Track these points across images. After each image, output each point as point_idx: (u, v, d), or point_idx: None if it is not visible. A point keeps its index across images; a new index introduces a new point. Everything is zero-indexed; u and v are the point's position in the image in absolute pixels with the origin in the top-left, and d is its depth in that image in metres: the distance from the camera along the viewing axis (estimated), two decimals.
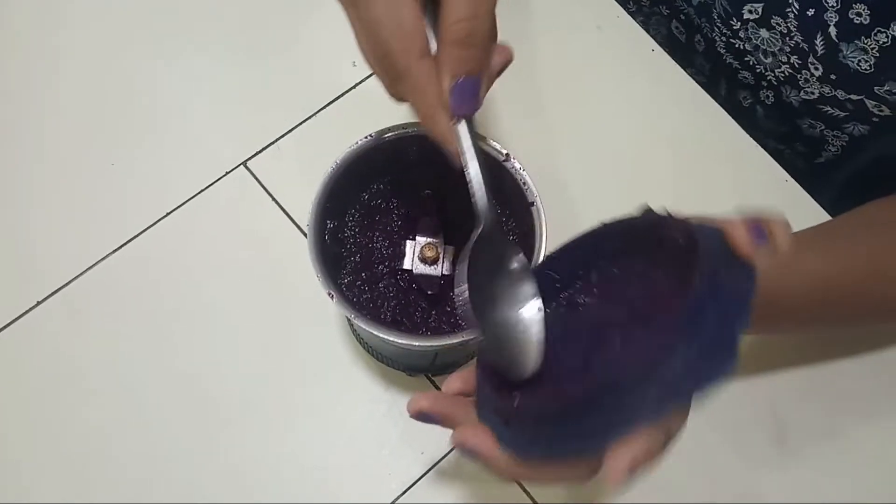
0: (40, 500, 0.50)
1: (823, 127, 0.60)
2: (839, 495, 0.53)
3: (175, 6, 0.61)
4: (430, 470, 0.52)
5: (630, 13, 0.64)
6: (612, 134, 0.60)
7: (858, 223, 0.50)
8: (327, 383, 0.53)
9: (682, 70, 0.61)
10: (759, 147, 0.60)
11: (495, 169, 0.45)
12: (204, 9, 0.61)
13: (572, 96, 0.61)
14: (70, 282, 0.54)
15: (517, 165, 0.44)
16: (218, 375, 0.53)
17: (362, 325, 0.41)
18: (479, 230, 0.38)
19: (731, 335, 0.32)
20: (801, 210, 0.58)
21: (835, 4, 0.50)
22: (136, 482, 0.51)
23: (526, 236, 0.46)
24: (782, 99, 0.60)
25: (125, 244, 0.55)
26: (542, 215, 0.43)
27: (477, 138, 0.37)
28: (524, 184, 0.44)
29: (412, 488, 0.52)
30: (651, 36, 0.62)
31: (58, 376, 0.52)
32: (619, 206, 0.58)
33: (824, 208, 0.59)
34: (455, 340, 0.42)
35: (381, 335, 0.41)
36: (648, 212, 0.36)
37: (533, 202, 0.44)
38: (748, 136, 0.60)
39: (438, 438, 0.52)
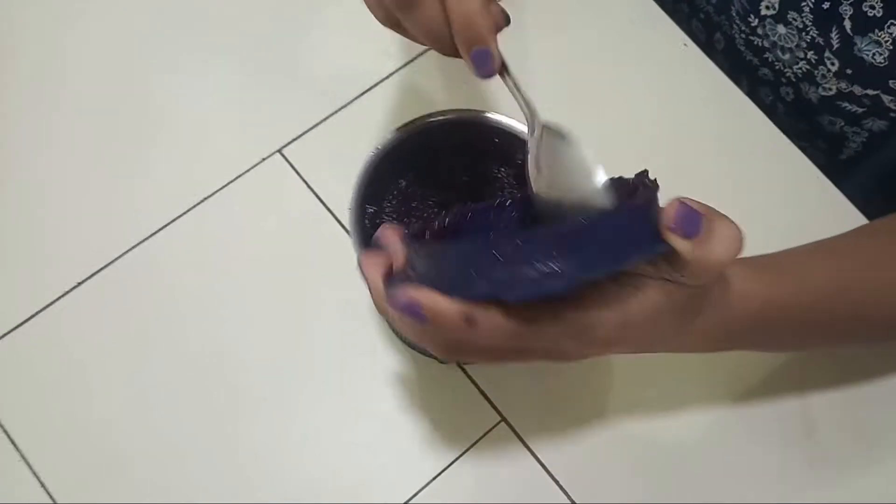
0: (59, 490, 0.51)
1: (843, 123, 0.60)
2: (868, 494, 0.53)
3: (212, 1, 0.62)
4: (461, 455, 0.53)
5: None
6: (641, 126, 0.60)
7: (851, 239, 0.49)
8: (360, 368, 0.54)
9: (713, 64, 0.62)
10: (790, 143, 0.60)
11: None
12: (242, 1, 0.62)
13: (604, 87, 0.61)
14: (109, 264, 0.55)
15: None
16: (246, 359, 0.54)
17: None
18: (535, 133, 0.39)
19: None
20: (830, 205, 0.59)
21: None
22: (155, 470, 0.52)
23: None
24: (802, 96, 0.60)
25: (163, 228, 0.56)
26: None
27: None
28: None
29: (443, 473, 0.52)
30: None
31: (95, 356, 0.53)
32: None
33: (855, 205, 0.59)
34: None
35: None
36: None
37: None
38: (779, 130, 0.60)
39: (469, 423, 0.53)
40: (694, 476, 0.53)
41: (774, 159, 0.60)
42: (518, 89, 0.39)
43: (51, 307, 0.54)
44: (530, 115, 0.39)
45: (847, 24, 0.52)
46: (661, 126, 0.61)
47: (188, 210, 0.56)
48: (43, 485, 0.51)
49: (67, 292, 0.54)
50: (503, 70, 0.39)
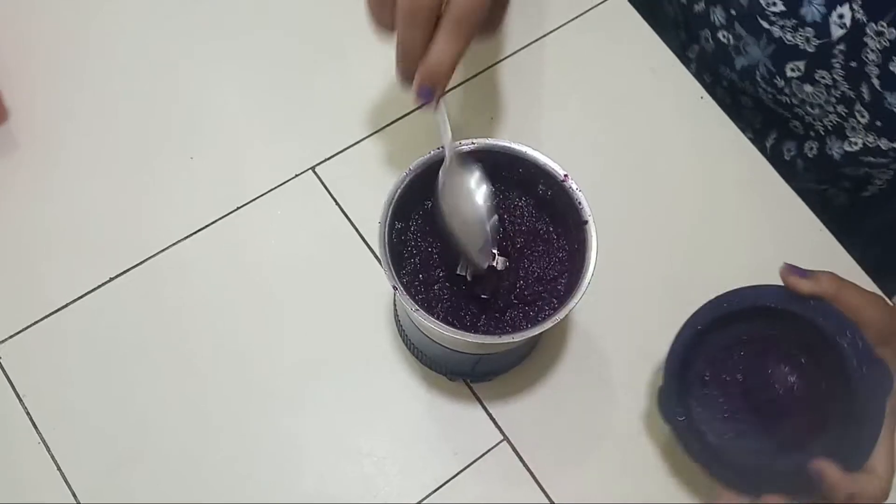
0: (75, 477, 0.53)
1: (867, 168, 0.63)
2: None
3: (259, 15, 0.66)
4: (462, 471, 0.55)
5: None
6: (656, 173, 0.63)
7: None
8: (372, 379, 0.56)
9: (728, 119, 0.65)
10: (798, 198, 0.63)
11: (554, 187, 0.49)
12: (288, 19, 0.66)
13: (623, 133, 0.65)
14: (144, 261, 0.58)
15: (574, 186, 0.48)
16: (271, 360, 0.56)
17: (421, 317, 0.45)
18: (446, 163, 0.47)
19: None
20: (832, 259, 0.61)
21: (875, 59, 0.54)
22: (188, 449, 0.54)
23: (574, 253, 0.49)
24: (825, 151, 0.63)
25: (197, 232, 0.59)
26: (595, 233, 0.47)
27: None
28: (579, 203, 0.48)
29: (444, 487, 0.54)
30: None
31: (127, 346, 0.56)
32: (659, 233, 0.62)
33: (855, 258, 0.61)
34: (504, 340, 0.45)
35: (438, 328, 0.45)
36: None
37: (587, 220, 0.47)
38: (788, 186, 0.63)
39: (472, 440, 0.55)
40: None
41: (781, 212, 0.63)
42: (445, 122, 0.48)
43: (82, 300, 0.56)
44: (446, 147, 0.47)
45: (875, 81, 0.55)
46: (674, 171, 0.63)
47: (222, 217, 0.59)
48: (60, 469, 0.53)
49: (101, 286, 0.57)
50: (438, 102, 0.47)
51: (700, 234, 0.62)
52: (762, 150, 0.65)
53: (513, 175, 0.50)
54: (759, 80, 0.62)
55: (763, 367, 0.52)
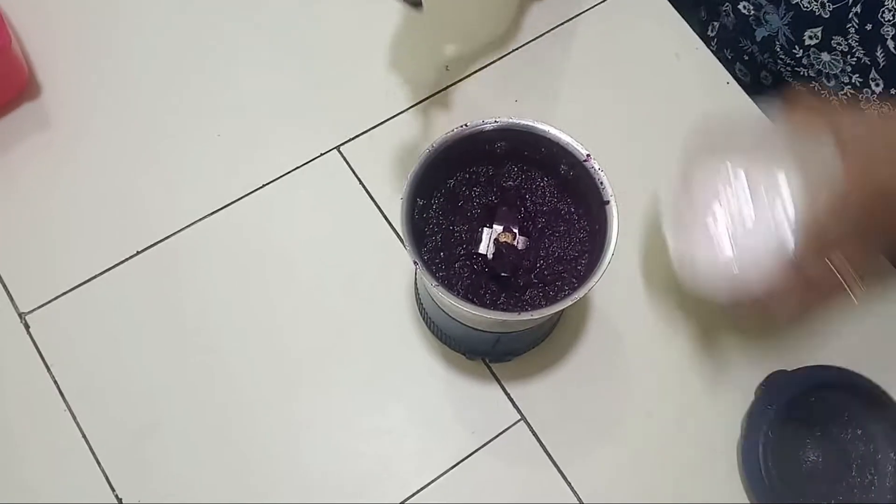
0: (100, 444, 0.54)
1: None
2: None
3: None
4: (479, 449, 0.55)
5: None
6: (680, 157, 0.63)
7: None
8: (391, 358, 0.57)
9: (753, 104, 0.64)
10: None
11: (576, 167, 0.49)
12: (317, 5, 0.67)
13: (647, 117, 0.65)
14: (170, 236, 0.59)
15: (596, 166, 0.48)
16: (292, 337, 0.57)
17: (441, 293, 0.45)
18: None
19: None
20: None
21: (891, 18, 0.53)
22: (209, 422, 0.55)
23: (595, 234, 0.49)
24: None
25: (222, 208, 0.60)
26: (616, 213, 0.47)
27: None
28: (601, 183, 0.48)
29: (460, 465, 0.55)
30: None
31: (151, 318, 0.57)
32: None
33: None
34: (522, 318, 0.46)
35: (457, 303, 0.45)
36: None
37: (608, 200, 0.47)
38: None
39: (490, 419, 0.56)
40: (709, 491, 0.55)
41: None
42: None
43: (109, 272, 0.58)
44: None
45: (890, 43, 0.55)
46: None
47: (247, 194, 0.60)
48: (85, 437, 0.54)
49: (127, 259, 0.58)
50: None
51: None
52: None
53: (535, 155, 0.51)
54: (778, 50, 0.63)
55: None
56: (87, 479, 0.53)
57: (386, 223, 0.60)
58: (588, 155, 0.48)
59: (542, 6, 0.67)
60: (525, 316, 0.46)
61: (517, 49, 0.65)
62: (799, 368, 0.56)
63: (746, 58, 0.69)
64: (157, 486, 0.53)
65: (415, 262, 0.46)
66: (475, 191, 0.52)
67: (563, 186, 0.51)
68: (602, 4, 0.67)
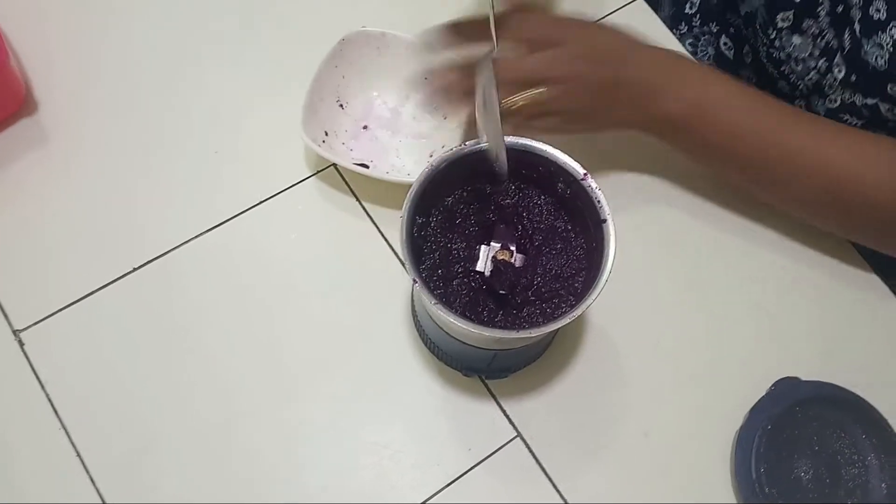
0: (94, 462, 0.54)
1: None
2: None
3: (287, 12, 0.67)
4: (475, 466, 0.55)
5: (680, 35, 0.68)
6: (676, 175, 0.64)
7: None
8: (389, 374, 0.57)
9: None
10: None
11: (573, 185, 0.49)
12: (315, 17, 0.67)
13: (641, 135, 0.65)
14: (167, 252, 0.59)
15: (593, 185, 0.49)
16: (289, 353, 0.57)
17: (440, 310, 0.45)
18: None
19: None
20: (845, 259, 0.62)
21: (857, 1, 0.55)
22: (205, 438, 0.55)
23: (592, 251, 0.50)
24: (813, 110, 0.64)
25: (219, 225, 0.60)
26: (613, 232, 0.48)
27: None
28: (598, 202, 0.48)
29: (457, 481, 0.55)
30: (699, 59, 0.67)
31: (147, 335, 0.57)
32: (677, 234, 0.62)
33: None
34: (520, 335, 0.46)
35: (455, 321, 0.45)
36: None
37: (605, 219, 0.48)
38: None
39: (486, 436, 0.56)
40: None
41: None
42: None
43: (105, 289, 0.58)
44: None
45: (857, 26, 0.56)
46: (695, 177, 0.64)
47: (245, 210, 0.60)
48: (79, 455, 0.54)
49: (123, 276, 0.58)
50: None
51: (718, 235, 0.62)
52: None
53: (532, 173, 0.51)
54: (758, 27, 0.64)
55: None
56: (81, 496, 0.53)
57: (383, 240, 0.60)
58: (585, 173, 0.49)
59: None
60: (523, 333, 0.46)
61: None
62: (792, 384, 0.56)
63: (732, 30, 0.70)
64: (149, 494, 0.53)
65: (413, 280, 0.46)
66: (473, 208, 0.52)
67: (560, 204, 0.52)
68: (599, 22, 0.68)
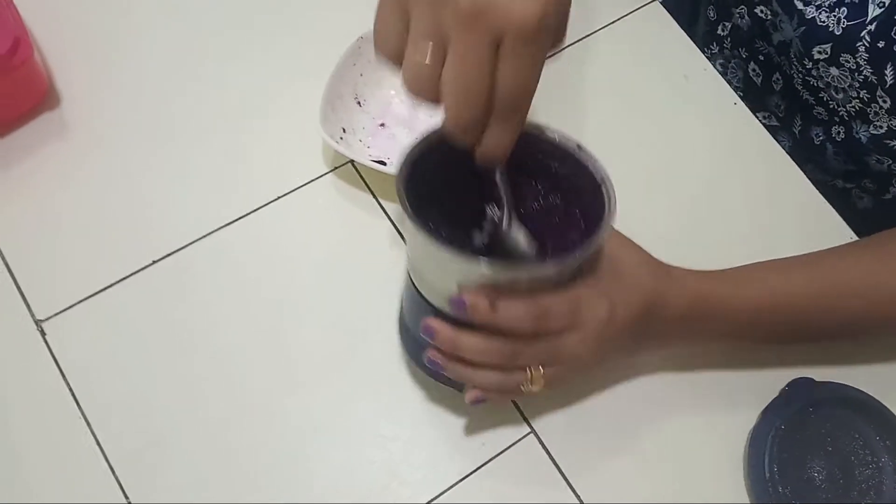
0: (113, 451, 0.55)
1: (891, 162, 0.64)
2: None
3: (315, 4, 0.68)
4: (488, 461, 0.55)
5: (710, 56, 0.68)
6: (687, 176, 0.64)
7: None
8: (402, 368, 0.57)
9: (760, 125, 0.66)
10: (826, 203, 0.64)
11: (568, 160, 0.49)
12: (343, 14, 0.68)
13: (655, 137, 0.66)
14: (186, 246, 0.60)
15: (584, 155, 0.48)
16: (305, 346, 0.58)
17: (433, 246, 0.44)
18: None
19: None
20: None
21: None
22: (220, 429, 0.55)
23: (591, 227, 0.48)
24: (852, 135, 0.64)
25: (239, 219, 0.61)
26: (613, 195, 0.46)
27: None
28: (593, 167, 0.47)
29: (469, 477, 0.55)
30: (728, 80, 0.67)
31: (165, 327, 0.58)
32: (688, 235, 0.63)
33: None
34: (517, 270, 0.46)
35: (450, 252, 0.44)
36: None
37: (602, 181, 0.47)
38: (818, 192, 0.64)
39: (499, 432, 0.56)
40: None
41: (809, 216, 0.64)
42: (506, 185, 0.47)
43: (125, 281, 0.58)
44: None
45: None
46: (706, 178, 0.64)
47: (264, 205, 0.61)
48: (99, 444, 0.54)
49: (144, 268, 0.59)
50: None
51: (729, 237, 0.63)
52: (791, 136, 0.65)
53: (529, 160, 0.49)
54: (792, 56, 0.64)
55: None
56: (101, 485, 0.53)
57: (400, 237, 0.61)
58: (579, 145, 0.48)
59: None
60: (521, 268, 0.46)
61: None
62: (809, 385, 0.57)
63: (762, 58, 0.70)
64: (170, 493, 0.53)
65: (412, 221, 0.44)
66: (469, 184, 0.49)
67: (555, 189, 0.51)
68: (612, 25, 0.69)
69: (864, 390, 0.56)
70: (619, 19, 0.69)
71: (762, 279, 0.53)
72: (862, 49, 0.57)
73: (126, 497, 0.53)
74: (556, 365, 0.49)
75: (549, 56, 0.43)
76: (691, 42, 0.68)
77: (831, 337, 0.57)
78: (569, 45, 0.68)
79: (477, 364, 0.49)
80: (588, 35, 0.68)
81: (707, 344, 0.57)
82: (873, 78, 0.58)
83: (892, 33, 0.55)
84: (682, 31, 0.69)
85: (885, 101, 0.58)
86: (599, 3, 0.69)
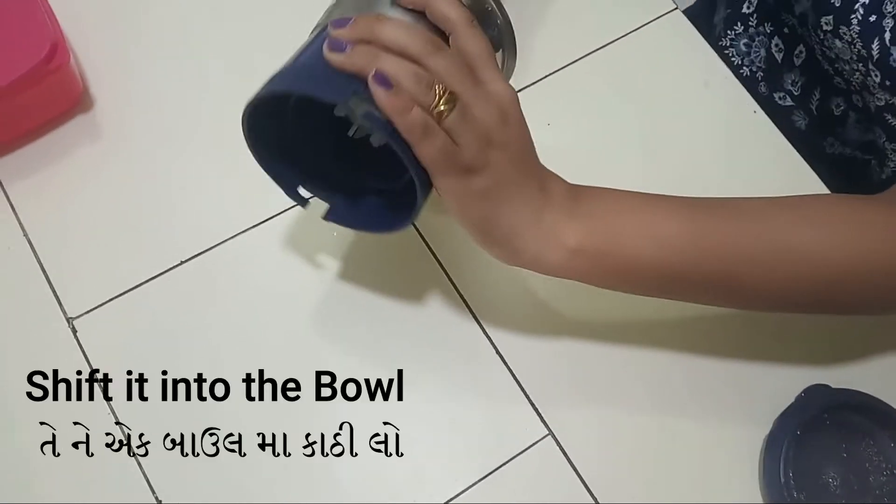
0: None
1: (885, 139, 0.64)
2: None
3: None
4: (506, 463, 0.56)
5: (734, 36, 0.68)
6: (708, 185, 0.65)
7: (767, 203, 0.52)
8: (418, 371, 0.58)
9: (780, 133, 0.66)
10: None
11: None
12: None
13: (675, 144, 0.66)
14: (213, 247, 0.61)
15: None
16: (323, 346, 0.59)
17: None
18: None
19: None
20: None
21: (892, 10, 0.55)
22: (244, 426, 0.56)
23: None
24: (866, 104, 0.65)
25: (265, 221, 0.62)
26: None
27: None
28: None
29: (486, 478, 0.56)
30: (748, 64, 0.67)
31: (192, 326, 0.59)
32: None
33: None
34: None
35: None
36: None
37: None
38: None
39: (517, 433, 0.57)
40: None
41: None
42: None
43: (154, 280, 0.60)
44: None
45: (887, 35, 0.56)
46: (725, 187, 0.65)
47: (288, 208, 0.62)
48: (129, 443, 0.56)
49: (172, 268, 0.60)
50: None
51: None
52: (807, 112, 0.65)
53: None
54: (810, 27, 0.64)
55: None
56: (130, 483, 0.55)
57: (420, 237, 0.62)
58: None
59: (575, 32, 0.69)
60: None
61: (550, 74, 0.68)
62: (825, 390, 0.57)
63: (786, 30, 0.70)
64: (199, 491, 0.55)
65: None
66: None
67: None
68: (634, 33, 0.69)
69: (880, 397, 0.57)
70: (639, 27, 0.70)
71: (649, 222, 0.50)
72: (855, 22, 0.58)
73: (154, 494, 0.54)
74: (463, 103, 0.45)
75: None
76: (712, 50, 0.69)
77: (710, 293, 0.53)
78: (590, 53, 0.68)
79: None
80: (609, 43, 0.69)
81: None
82: (864, 51, 0.58)
83: (883, 8, 0.56)
84: (702, 39, 0.69)
85: (876, 75, 0.59)
86: (620, 11, 0.70)
